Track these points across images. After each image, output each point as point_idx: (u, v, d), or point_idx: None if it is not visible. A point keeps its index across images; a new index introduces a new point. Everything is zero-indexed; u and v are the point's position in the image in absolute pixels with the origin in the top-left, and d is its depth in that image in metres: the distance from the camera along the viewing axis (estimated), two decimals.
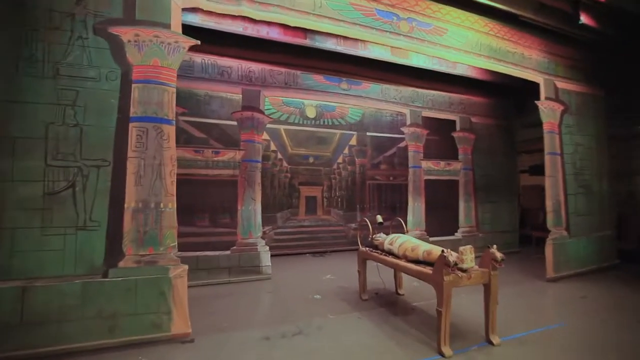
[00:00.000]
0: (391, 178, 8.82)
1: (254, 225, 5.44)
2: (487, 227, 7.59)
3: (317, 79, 6.10)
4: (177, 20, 3.31)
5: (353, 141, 8.45)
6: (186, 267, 3.22)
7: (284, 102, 7.66)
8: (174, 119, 3.27)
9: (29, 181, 2.78)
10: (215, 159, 5.27)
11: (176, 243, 3.23)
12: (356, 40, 5.82)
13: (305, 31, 5.47)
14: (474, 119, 7.62)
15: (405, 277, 4.51)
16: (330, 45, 5.67)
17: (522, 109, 8.03)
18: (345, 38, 5.77)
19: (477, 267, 3.21)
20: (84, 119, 2.95)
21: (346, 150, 8.44)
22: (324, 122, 8.04)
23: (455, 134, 7.47)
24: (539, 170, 8.55)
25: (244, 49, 5.46)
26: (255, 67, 5.63)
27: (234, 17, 5.05)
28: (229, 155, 5.35)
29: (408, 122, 6.98)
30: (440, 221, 7.44)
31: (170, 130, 3.23)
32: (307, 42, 5.51)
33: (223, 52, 5.37)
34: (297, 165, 7.89)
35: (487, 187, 7.70)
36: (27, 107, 2.81)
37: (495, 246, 3.18)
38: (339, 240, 8.10)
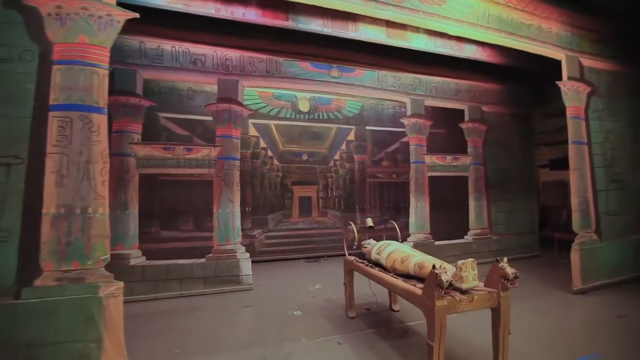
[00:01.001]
0: (394, 176, 8.10)
1: (231, 229, 4.87)
2: (502, 228, 6.76)
3: (303, 66, 5.48)
4: None
5: (351, 136, 7.79)
6: (121, 284, 2.67)
7: (274, 96, 7.09)
8: (106, 106, 2.72)
9: None
10: (188, 156, 4.73)
11: (108, 255, 2.69)
12: (346, 20, 5.20)
13: (286, 11, 4.88)
14: (485, 108, 6.80)
15: None
16: (315, 26, 5.04)
17: (542, 96, 7.14)
18: (334, 18, 5.15)
19: (482, 285, 2.50)
20: None
21: (343, 146, 7.79)
22: (318, 116, 7.41)
23: (463, 125, 6.68)
24: (561, 164, 7.62)
25: (220, 34, 4.90)
26: (232, 55, 5.07)
27: None
28: (203, 152, 4.81)
29: (409, 113, 6.25)
30: (448, 223, 6.67)
31: (101, 121, 2.69)
32: (289, 23, 4.90)
33: (196, 38, 4.84)
34: (290, 163, 7.30)
35: (502, 183, 6.86)
36: None
37: (505, 259, 2.47)
38: (336, 244, 7.42)
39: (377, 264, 3.36)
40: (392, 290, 2.96)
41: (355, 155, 7.76)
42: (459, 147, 6.72)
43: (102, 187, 2.67)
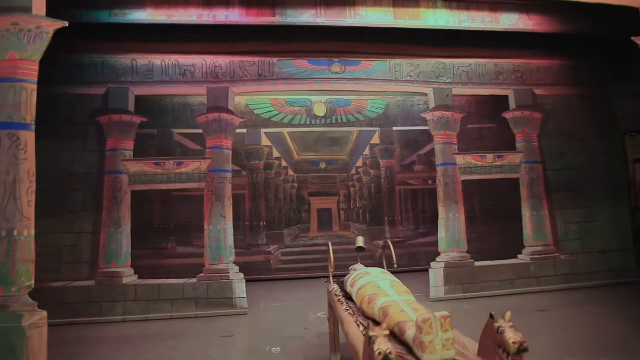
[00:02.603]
0: (430, 182, 6.95)
1: (224, 247, 4.52)
2: (575, 245, 5.15)
3: (299, 65, 4.97)
4: (40, 1, 2.67)
5: (375, 139, 6.95)
6: (45, 314, 2.45)
7: (287, 102, 6.72)
8: (33, 122, 2.58)
9: None
10: (178, 171, 4.57)
11: (33, 282, 2.48)
12: (342, 6, 4.59)
13: (273, 6, 4.48)
14: (538, 91, 5.37)
15: None
16: (307, 18, 4.53)
17: (625, 71, 5.37)
18: (327, 7, 4.58)
19: (469, 355, 1.57)
20: None
21: (367, 151, 6.99)
22: (336, 119, 6.78)
23: (509, 115, 5.34)
24: None
25: (209, 41, 4.71)
26: (222, 62, 4.83)
27: (186, 5, 4.41)
28: (193, 166, 4.60)
29: (432, 105, 5.23)
30: (494, 238, 5.36)
31: (28, 137, 2.57)
32: (276, 19, 4.49)
33: (185, 49, 4.72)
34: (306, 173, 6.78)
35: (571, 186, 5.27)
36: None
37: (508, 315, 1.48)
38: (362, 262, 6.58)
39: (351, 299, 2.59)
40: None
41: (381, 161, 6.87)
42: (502, 142, 5.39)
43: (28, 208, 2.51)
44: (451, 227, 4.99)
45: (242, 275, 4.54)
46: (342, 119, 6.81)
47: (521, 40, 4.98)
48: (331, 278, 3.23)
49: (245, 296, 4.48)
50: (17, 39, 2.62)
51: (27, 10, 2.64)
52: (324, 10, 4.55)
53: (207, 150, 4.67)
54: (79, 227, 4.34)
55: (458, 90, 5.29)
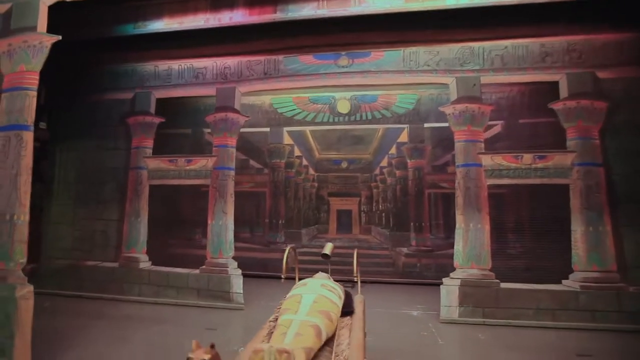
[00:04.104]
0: None
1: (224, 242, 4.67)
2: None
3: (304, 61, 4.83)
4: (43, 20, 3.11)
5: (403, 137, 6.37)
6: (31, 287, 2.84)
7: (310, 100, 6.62)
8: (32, 124, 3.02)
9: None
10: (187, 168, 4.89)
11: (25, 259, 2.91)
12: None
13: (274, 3, 4.44)
14: (603, 74, 4.20)
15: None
16: (308, 11, 4.38)
17: None
18: None
19: None
20: None
21: (393, 150, 6.45)
22: (360, 116, 6.42)
23: (558, 105, 4.31)
24: None
25: (218, 44, 4.92)
26: (231, 62, 4.98)
27: (195, 12, 4.68)
28: (200, 163, 4.87)
29: (454, 97, 4.52)
30: (530, 257, 4.38)
31: (28, 137, 3.00)
32: (278, 16, 4.45)
33: (198, 52, 5.02)
34: (326, 172, 6.59)
35: None
36: None
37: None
38: (383, 269, 6.16)
39: None
40: None
41: (409, 161, 6.27)
42: (546, 139, 4.38)
43: (25, 197, 2.94)
44: (471, 239, 4.26)
45: (240, 270, 4.64)
46: (366, 116, 6.41)
47: (578, 8, 3.96)
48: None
49: (242, 292, 4.56)
50: (25, 54, 3.09)
51: (34, 28, 3.10)
52: (326, 1, 4.33)
53: (214, 149, 4.89)
54: (107, 216, 4.99)
55: (489, 78, 4.47)
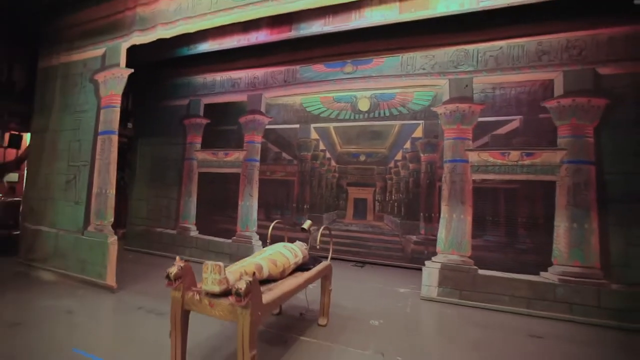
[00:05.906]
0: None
1: (250, 219, 5.89)
2: (638, 273, 3.88)
3: (316, 69, 5.65)
4: (123, 58, 4.55)
5: (418, 132, 6.77)
6: (116, 237, 4.37)
7: (334, 99, 7.40)
8: (117, 130, 4.50)
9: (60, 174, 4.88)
10: (225, 159, 6.18)
11: (112, 219, 4.44)
12: (348, 11, 5.00)
13: (289, 23, 5.36)
14: (603, 70, 4.14)
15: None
16: (316, 28, 5.18)
17: None
18: (334, 14, 5.10)
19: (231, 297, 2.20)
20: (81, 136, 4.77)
21: (407, 145, 6.89)
22: (379, 113, 6.99)
23: (551, 103, 4.39)
24: None
25: (249, 58, 6.04)
26: (259, 73, 6.07)
27: (230, 34, 5.84)
28: (235, 155, 6.12)
29: (446, 97, 4.88)
30: (508, 247, 4.61)
31: (115, 139, 4.52)
32: (292, 33, 5.35)
33: (234, 66, 6.21)
34: (346, 164, 7.33)
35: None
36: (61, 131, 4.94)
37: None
38: (392, 253, 6.78)
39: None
40: None
41: (422, 155, 6.67)
42: (539, 138, 4.48)
43: (113, 178, 4.47)
44: (453, 228, 4.71)
45: (260, 242, 5.81)
46: (384, 113, 6.95)
47: (579, 3, 4.01)
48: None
49: None
50: (113, 82, 4.59)
51: (118, 65, 4.57)
52: (332, 17, 5.06)
53: (245, 144, 6.09)
54: (170, 194, 6.61)
55: (482, 79, 4.74)
